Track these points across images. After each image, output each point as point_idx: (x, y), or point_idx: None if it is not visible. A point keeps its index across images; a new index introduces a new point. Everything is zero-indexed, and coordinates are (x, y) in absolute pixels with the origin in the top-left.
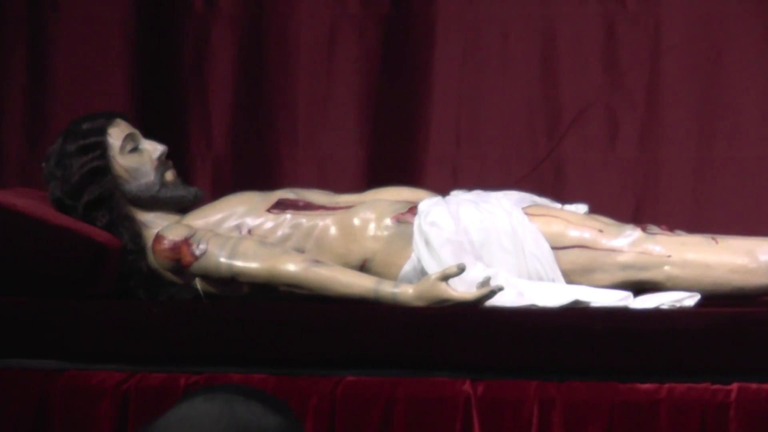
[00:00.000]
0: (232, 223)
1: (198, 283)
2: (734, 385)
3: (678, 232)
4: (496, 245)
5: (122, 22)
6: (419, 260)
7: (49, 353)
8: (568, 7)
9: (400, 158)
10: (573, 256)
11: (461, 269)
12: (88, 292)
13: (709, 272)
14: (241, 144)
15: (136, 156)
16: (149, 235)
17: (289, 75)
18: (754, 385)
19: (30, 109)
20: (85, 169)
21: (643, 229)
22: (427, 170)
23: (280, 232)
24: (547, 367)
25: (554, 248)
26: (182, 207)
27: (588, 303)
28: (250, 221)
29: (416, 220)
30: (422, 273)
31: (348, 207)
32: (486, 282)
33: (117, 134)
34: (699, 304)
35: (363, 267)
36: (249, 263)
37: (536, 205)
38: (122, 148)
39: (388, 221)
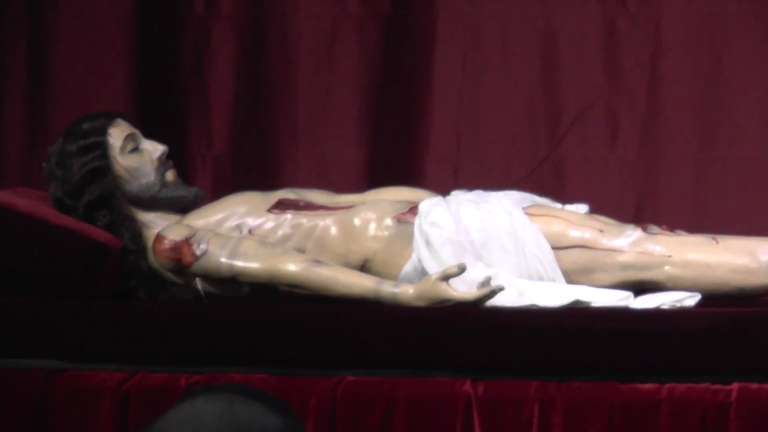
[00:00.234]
0: (232, 223)
1: (198, 283)
2: (734, 386)
3: (678, 232)
4: (496, 245)
5: (123, 21)
6: (420, 260)
7: (50, 353)
8: (569, 7)
9: (401, 158)
10: (573, 256)
11: (462, 269)
12: (88, 292)
13: (710, 272)
14: (241, 144)
15: (137, 156)
16: (150, 235)
17: (289, 75)
18: (754, 386)
19: (30, 109)
20: (86, 169)
21: (644, 229)
22: (427, 170)
23: (280, 232)
24: (548, 367)
25: (555, 248)
26: (183, 207)
27: (588, 303)
28: (251, 221)
29: (417, 220)
30: (423, 273)
31: (348, 207)
32: (486, 282)
33: (117, 134)
34: (699, 304)
35: (363, 267)
36: (250, 263)
37: (537, 205)
38: (123, 148)
39: (388, 221)
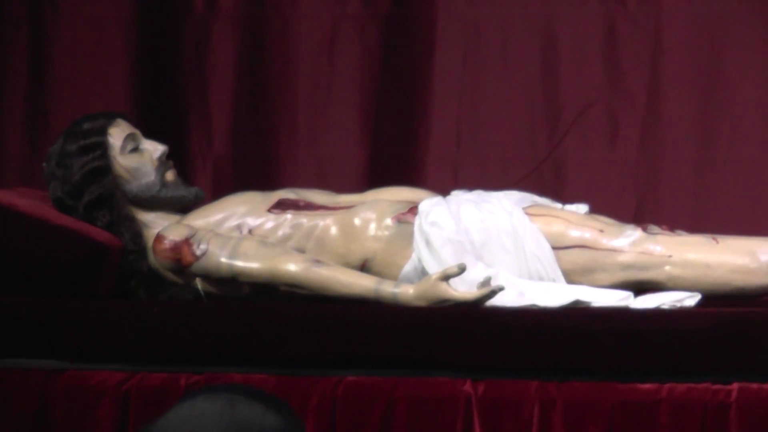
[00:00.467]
0: (232, 223)
1: (199, 283)
2: (735, 385)
3: (679, 232)
4: (496, 245)
5: (123, 21)
6: (420, 260)
7: (50, 353)
8: (569, 7)
9: (401, 158)
10: (574, 256)
11: (462, 269)
12: (88, 292)
13: (710, 272)
14: (241, 144)
15: (137, 156)
16: (150, 235)
17: (289, 75)
18: (754, 385)
19: (30, 109)
20: (86, 169)
21: (644, 229)
22: (427, 170)
23: (280, 232)
24: (548, 367)
25: (555, 248)
26: (183, 207)
27: (589, 303)
28: (251, 221)
29: (417, 220)
30: (423, 273)
31: (349, 207)
32: (487, 282)
33: (118, 134)
34: (699, 304)
35: (363, 267)
36: (250, 263)
37: (537, 205)
38: (123, 148)
39: (388, 221)
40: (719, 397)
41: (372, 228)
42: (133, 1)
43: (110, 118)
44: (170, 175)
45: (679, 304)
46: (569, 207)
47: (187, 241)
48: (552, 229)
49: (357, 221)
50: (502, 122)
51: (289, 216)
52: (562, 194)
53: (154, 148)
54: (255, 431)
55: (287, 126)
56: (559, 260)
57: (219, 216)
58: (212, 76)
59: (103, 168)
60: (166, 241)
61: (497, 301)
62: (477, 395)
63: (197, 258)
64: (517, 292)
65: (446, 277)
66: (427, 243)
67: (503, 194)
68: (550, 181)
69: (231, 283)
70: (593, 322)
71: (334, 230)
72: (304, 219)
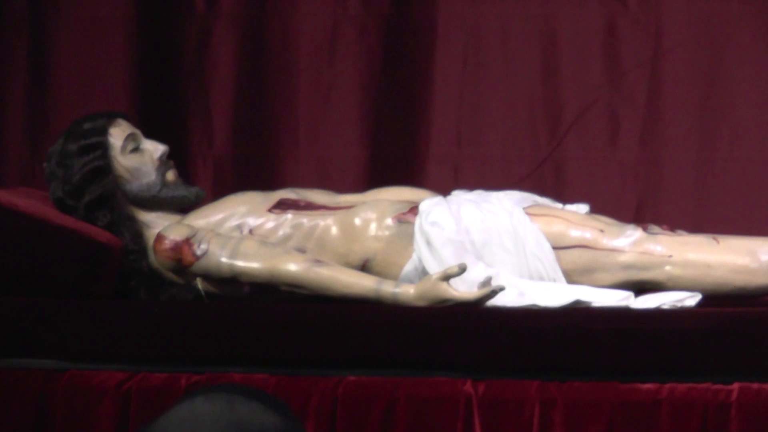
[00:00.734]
0: (233, 223)
1: (199, 283)
2: (735, 385)
3: (679, 232)
4: (497, 245)
5: (123, 21)
6: (420, 260)
7: (50, 353)
8: (569, 6)
9: (401, 158)
10: (574, 256)
11: (462, 269)
12: (89, 291)
13: (711, 272)
14: (242, 144)
15: (138, 156)
16: (150, 235)
17: (290, 75)
18: (755, 385)
19: (31, 109)
20: (87, 169)
21: (645, 229)
22: (428, 170)
23: (281, 232)
24: (549, 367)
25: (555, 248)
26: (183, 207)
27: (589, 303)
28: (252, 221)
29: (417, 220)
30: (423, 273)
31: (349, 207)
32: (487, 282)
33: (118, 134)
34: (700, 304)
35: (364, 267)
36: (250, 263)
37: (537, 205)
38: (123, 148)
39: (389, 221)
40: (720, 397)
41: (372, 228)
42: (134, 1)
43: (111, 118)
44: (171, 175)
45: (679, 304)
46: (570, 207)
47: (187, 241)
48: (552, 229)
49: (358, 221)
50: (503, 122)
51: (289, 216)
52: (563, 194)
53: (155, 148)
54: (254, 431)
55: (287, 126)
56: (559, 260)
57: (219, 216)
58: (212, 76)
59: (103, 168)
60: (166, 241)
61: (498, 301)
62: (477, 395)
63: (198, 258)
64: (518, 292)
65: (447, 277)
66: (428, 243)
67: (504, 194)
68: (551, 181)
69: (231, 283)
70: (594, 322)
71: (334, 230)
72: (305, 219)
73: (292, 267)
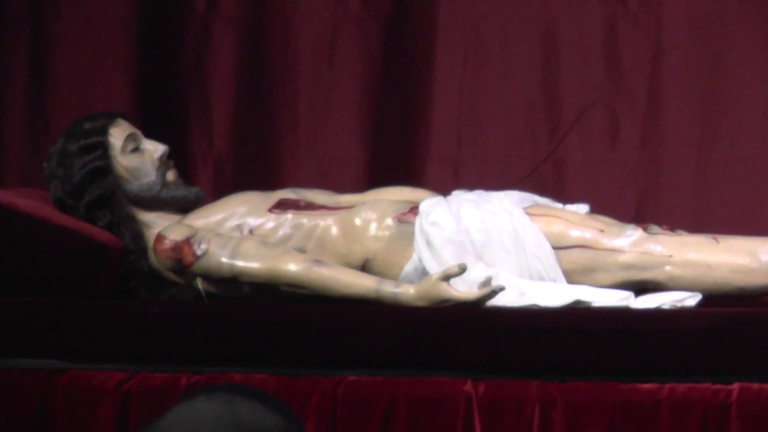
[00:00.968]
0: (233, 223)
1: (199, 283)
2: (735, 385)
3: (679, 232)
4: (497, 245)
5: (123, 22)
6: (420, 260)
7: (51, 353)
8: (570, 6)
9: (401, 158)
10: (574, 256)
11: (462, 269)
12: (89, 291)
13: (711, 272)
14: (242, 144)
15: (138, 156)
16: (150, 235)
17: (290, 75)
18: (755, 385)
19: (31, 109)
20: (87, 169)
21: (645, 229)
22: (428, 170)
23: (281, 232)
24: (549, 367)
25: (555, 248)
26: (183, 207)
27: (589, 303)
28: (252, 221)
29: (417, 220)
30: (423, 273)
31: (349, 207)
32: (487, 282)
33: (118, 134)
34: (700, 304)
35: (364, 267)
36: (250, 263)
37: (537, 205)
38: (123, 147)
39: (389, 221)
40: (720, 397)
41: (373, 228)
42: (134, 1)
43: (111, 117)
44: (171, 175)
45: (679, 304)
46: (570, 207)
47: (187, 241)
48: (553, 229)
49: (358, 221)
50: (503, 122)
51: (289, 216)
52: (563, 194)
53: (155, 148)
54: (254, 431)
55: (287, 126)
56: (559, 260)
57: (220, 216)
58: (212, 76)
59: (103, 168)
60: (166, 241)
61: (498, 301)
62: (478, 395)
63: (198, 258)
64: (518, 292)
65: (447, 277)
66: (428, 243)
67: (504, 194)
68: (551, 181)
69: (231, 283)
70: (594, 322)
71: (334, 230)
72: (305, 219)
73: (292, 267)
